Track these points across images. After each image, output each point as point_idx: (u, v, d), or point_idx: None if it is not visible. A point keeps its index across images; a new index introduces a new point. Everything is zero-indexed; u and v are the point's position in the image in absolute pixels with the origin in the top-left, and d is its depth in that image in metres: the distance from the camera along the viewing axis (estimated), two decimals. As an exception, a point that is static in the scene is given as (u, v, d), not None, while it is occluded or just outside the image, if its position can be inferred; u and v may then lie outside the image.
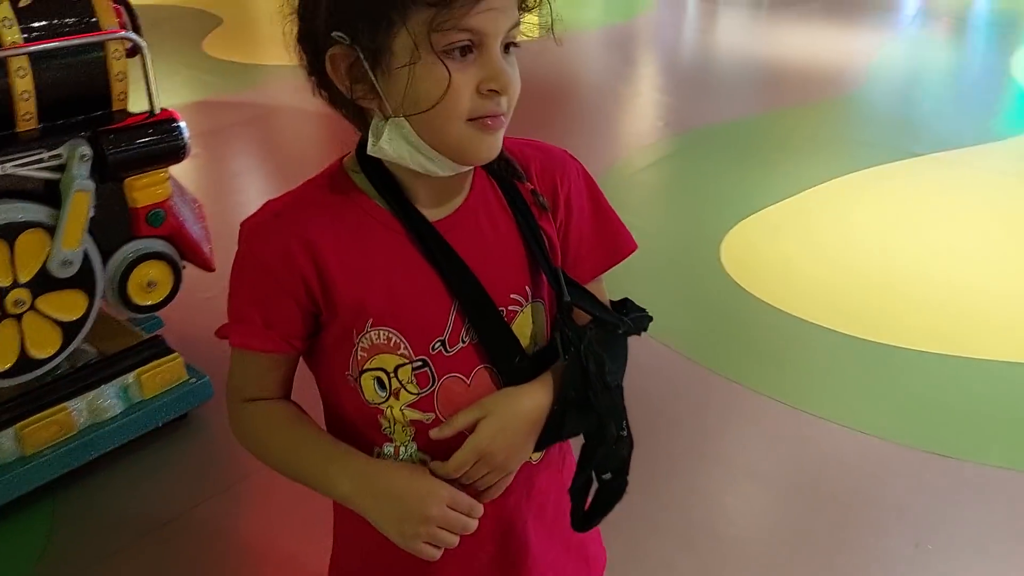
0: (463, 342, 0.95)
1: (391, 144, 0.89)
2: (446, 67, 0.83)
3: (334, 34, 0.85)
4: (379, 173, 0.93)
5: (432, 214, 0.94)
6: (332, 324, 0.94)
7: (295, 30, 0.90)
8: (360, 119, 0.94)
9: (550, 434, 0.96)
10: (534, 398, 0.95)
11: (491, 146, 0.90)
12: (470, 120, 0.86)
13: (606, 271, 1.09)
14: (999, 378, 2.77)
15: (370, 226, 0.93)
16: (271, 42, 6.39)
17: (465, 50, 0.84)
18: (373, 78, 0.86)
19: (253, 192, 4.22)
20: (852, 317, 3.04)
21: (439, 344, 0.94)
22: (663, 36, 6.88)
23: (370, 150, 0.90)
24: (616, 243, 1.08)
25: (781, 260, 3.42)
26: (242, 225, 0.95)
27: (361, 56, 0.85)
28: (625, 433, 0.98)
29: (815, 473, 2.38)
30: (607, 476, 0.99)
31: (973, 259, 3.45)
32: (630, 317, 1.04)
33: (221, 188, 4.12)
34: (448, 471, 0.93)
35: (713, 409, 2.61)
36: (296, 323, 0.94)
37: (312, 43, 0.89)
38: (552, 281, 0.99)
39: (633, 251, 1.09)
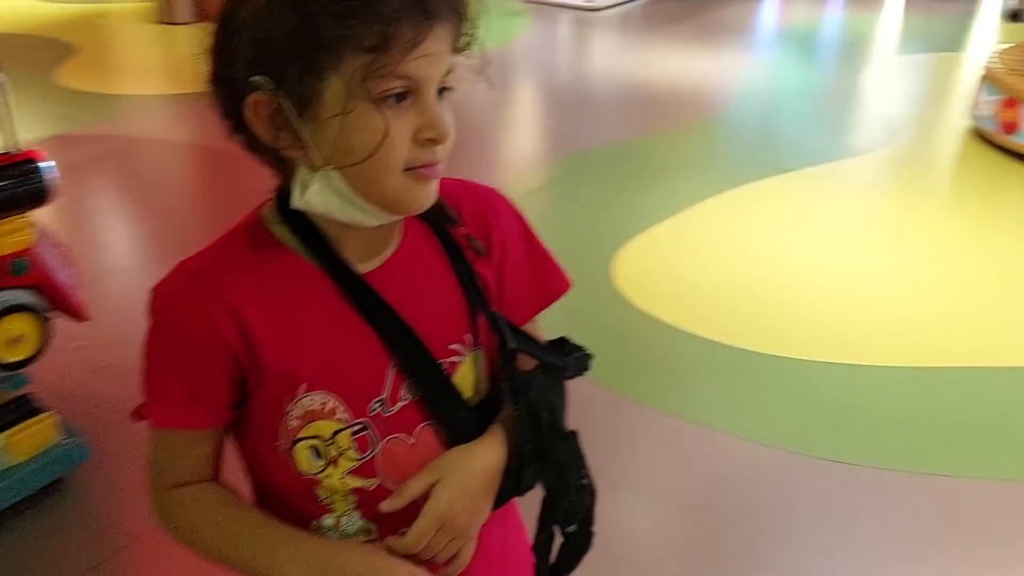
0: (403, 400, 0.88)
1: (320, 196, 0.81)
2: (383, 116, 0.77)
3: (255, 79, 0.77)
4: (304, 225, 0.85)
5: (363, 266, 0.88)
6: (259, 391, 0.85)
7: (207, 71, 0.82)
8: (281, 167, 0.85)
9: (509, 490, 0.91)
10: (488, 455, 0.89)
11: (428, 195, 0.84)
12: (406, 170, 0.81)
13: (542, 311, 1.04)
14: (887, 382, 2.87)
15: (297, 283, 0.85)
16: (132, 71, 6.10)
17: (400, 97, 0.78)
18: (299, 127, 0.78)
19: (121, 230, 3.98)
20: (744, 330, 3.10)
21: (378, 404, 0.86)
22: (540, 60, 6.94)
23: (296, 203, 0.83)
24: (551, 282, 1.04)
25: (672, 278, 3.47)
26: (154, 291, 0.85)
27: (286, 104, 0.77)
28: (586, 481, 0.94)
29: (722, 488, 2.40)
30: (572, 528, 0.94)
31: (851, 268, 3.59)
32: (572, 358, 1.00)
33: (86, 228, 3.86)
34: (408, 545, 0.85)
35: (617, 431, 2.60)
36: (223, 393, 0.85)
37: (228, 86, 0.81)
38: (494, 327, 0.93)
39: (568, 289, 1.05)
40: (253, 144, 0.84)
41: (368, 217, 0.84)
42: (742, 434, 2.59)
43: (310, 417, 0.85)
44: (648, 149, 4.88)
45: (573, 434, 0.95)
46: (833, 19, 8.58)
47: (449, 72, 0.82)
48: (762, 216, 4.03)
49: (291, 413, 0.85)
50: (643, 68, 6.48)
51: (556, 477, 0.92)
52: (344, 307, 0.86)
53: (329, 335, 0.85)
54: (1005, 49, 5.24)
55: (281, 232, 0.86)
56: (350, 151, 0.79)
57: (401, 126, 0.79)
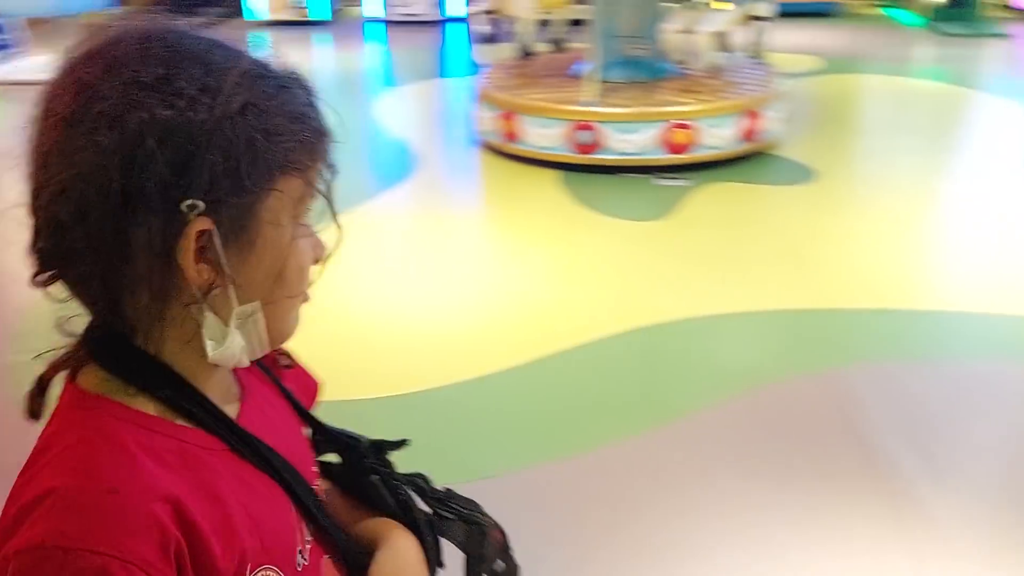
0: (309, 541, 0.83)
1: (231, 344, 0.72)
2: (311, 238, 0.76)
3: (188, 204, 0.64)
4: (175, 385, 0.73)
5: (231, 412, 0.79)
6: None
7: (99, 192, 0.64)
8: (144, 314, 0.70)
9: (436, 564, 0.93)
10: (408, 545, 0.90)
11: None
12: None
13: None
14: (496, 388, 3.12)
15: (198, 458, 0.73)
16: None
17: None
18: (226, 261, 0.68)
19: None
20: (374, 380, 3.17)
21: (300, 557, 0.81)
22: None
23: (214, 356, 0.72)
24: (307, 383, 1.00)
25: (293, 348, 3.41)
26: (48, 538, 0.62)
27: (218, 233, 0.67)
28: (487, 519, 0.98)
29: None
30: (501, 567, 0.97)
31: (431, 292, 3.86)
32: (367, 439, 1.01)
33: None
34: None
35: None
36: None
37: (112, 212, 0.64)
38: (325, 432, 0.94)
39: (320, 386, 1.02)
40: (89, 289, 0.69)
41: (247, 357, 0.75)
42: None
43: None
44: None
45: (448, 490, 0.99)
46: (323, 61, 8.98)
47: None
48: (337, 266, 4.14)
49: None
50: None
51: (465, 527, 0.95)
52: (243, 464, 0.77)
53: (248, 501, 0.75)
54: (491, 70, 6.01)
55: (140, 404, 0.71)
56: (286, 282, 0.73)
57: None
